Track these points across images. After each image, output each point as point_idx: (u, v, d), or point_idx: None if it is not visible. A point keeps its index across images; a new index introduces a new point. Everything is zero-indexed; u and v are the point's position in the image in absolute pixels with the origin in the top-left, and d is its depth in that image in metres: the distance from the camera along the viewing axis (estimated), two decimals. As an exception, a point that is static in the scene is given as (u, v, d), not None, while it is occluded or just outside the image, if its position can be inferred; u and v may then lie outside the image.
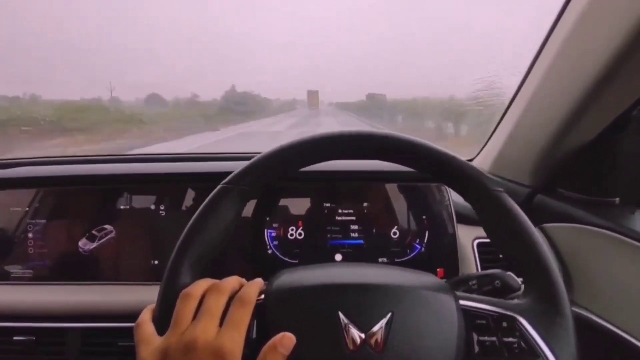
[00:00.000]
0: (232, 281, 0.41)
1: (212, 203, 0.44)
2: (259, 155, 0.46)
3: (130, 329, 0.40)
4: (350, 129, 0.47)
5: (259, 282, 0.42)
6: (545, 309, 0.40)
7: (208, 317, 0.37)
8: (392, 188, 0.80)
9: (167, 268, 0.42)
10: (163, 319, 0.39)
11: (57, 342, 0.67)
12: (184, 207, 0.79)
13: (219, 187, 0.45)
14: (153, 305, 0.42)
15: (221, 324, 0.37)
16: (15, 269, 0.76)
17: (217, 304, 0.38)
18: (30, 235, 0.77)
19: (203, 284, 0.40)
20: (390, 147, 0.47)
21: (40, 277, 0.76)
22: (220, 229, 0.44)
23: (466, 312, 0.40)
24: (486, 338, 0.39)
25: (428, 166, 0.47)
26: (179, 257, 0.42)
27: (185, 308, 0.38)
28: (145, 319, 0.40)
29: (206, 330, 0.36)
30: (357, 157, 0.49)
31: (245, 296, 0.39)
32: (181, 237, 0.43)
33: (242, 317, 0.38)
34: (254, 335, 0.39)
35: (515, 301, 0.42)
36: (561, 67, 0.62)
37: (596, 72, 0.55)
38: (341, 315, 0.38)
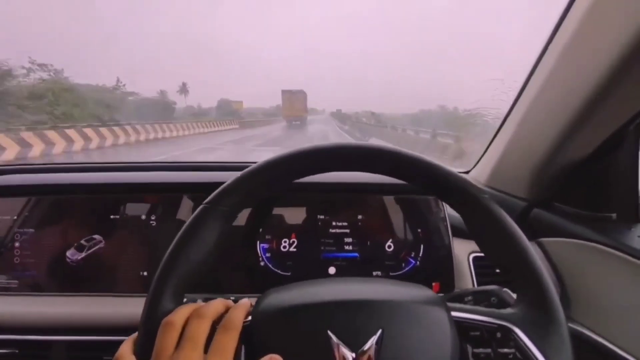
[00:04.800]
0: (216, 305, 0.40)
1: (193, 225, 0.42)
2: (241, 173, 0.44)
3: (116, 342, 0.38)
4: (329, 142, 0.46)
5: (245, 305, 0.40)
6: (539, 316, 0.39)
7: (191, 346, 0.35)
8: (386, 200, 0.79)
9: (148, 295, 0.40)
10: (144, 350, 0.37)
11: (41, 356, 0.65)
12: (174, 217, 0.78)
13: (200, 207, 0.43)
14: (134, 336, 0.40)
15: (206, 351, 0.36)
16: (0, 279, 0.74)
17: (199, 330, 0.36)
18: (17, 244, 0.75)
19: (185, 310, 0.38)
20: (376, 160, 0.46)
21: (26, 287, 0.74)
22: (204, 250, 0.42)
23: (459, 324, 0.39)
24: (481, 350, 0.38)
25: (414, 176, 0.46)
26: (160, 283, 0.40)
27: (166, 337, 0.36)
28: (125, 352, 0.38)
29: (189, 359, 0.34)
30: (343, 170, 0.48)
31: (231, 321, 0.38)
32: (162, 262, 0.41)
33: (228, 343, 0.36)
34: (243, 359, 0.37)
35: (508, 310, 0.41)
36: (557, 81, 0.62)
37: (592, 87, 0.55)
38: (331, 334, 0.37)
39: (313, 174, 0.46)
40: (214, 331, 0.37)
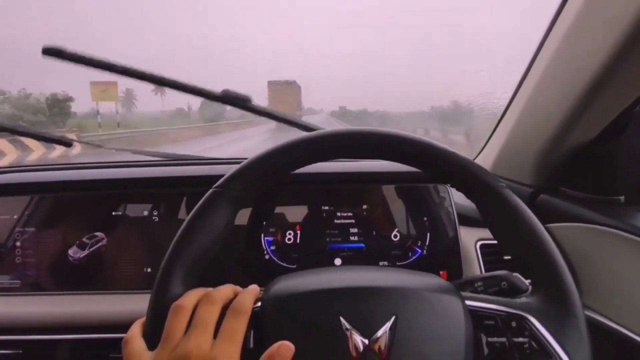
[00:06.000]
0: (225, 290, 0.40)
1: (203, 208, 0.42)
2: (252, 157, 0.44)
3: (121, 339, 0.38)
4: (345, 128, 0.45)
5: (254, 290, 0.40)
6: (556, 309, 0.38)
7: (200, 330, 0.35)
8: (391, 190, 0.78)
9: (156, 279, 0.39)
10: (153, 334, 0.37)
11: (46, 355, 0.65)
12: (177, 213, 0.77)
13: (210, 191, 0.43)
14: (143, 319, 0.40)
15: (216, 335, 0.36)
16: (2, 280, 0.74)
17: (209, 315, 0.37)
18: (18, 244, 0.74)
19: (195, 294, 0.38)
20: (389, 145, 0.45)
21: (29, 287, 0.73)
22: (213, 234, 0.42)
23: (473, 313, 0.39)
24: (495, 339, 0.38)
25: (428, 164, 0.45)
26: (169, 266, 0.39)
27: (176, 321, 0.36)
28: (135, 334, 0.38)
29: (199, 343, 0.34)
30: (355, 156, 0.47)
31: (240, 305, 0.37)
32: (171, 245, 0.41)
33: (237, 327, 0.36)
34: (252, 345, 0.37)
35: (524, 299, 0.40)
36: (561, 64, 0.61)
37: (596, 69, 0.54)
38: (343, 321, 0.36)
39: (325, 160, 0.46)
40: (224, 316, 0.37)
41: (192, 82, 0.73)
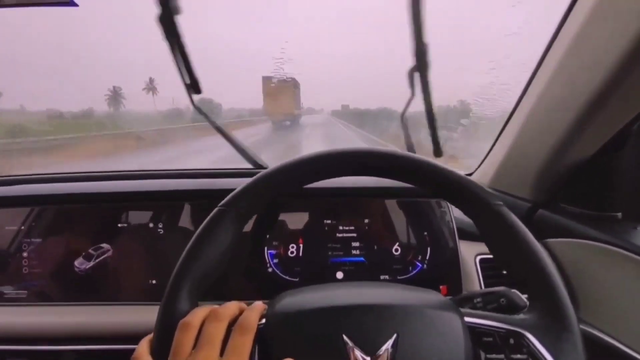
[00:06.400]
0: (231, 307, 0.41)
1: (208, 227, 0.43)
2: (257, 176, 0.46)
3: (127, 351, 0.39)
4: (347, 147, 0.47)
5: (259, 307, 0.41)
6: (552, 324, 0.39)
7: (208, 347, 0.36)
8: (392, 204, 0.79)
9: (164, 296, 0.40)
10: (161, 350, 0.37)
11: None
12: (182, 225, 0.78)
13: (215, 210, 0.44)
14: (150, 336, 0.41)
15: (222, 352, 0.36)
16: (9, 290, 0.75)
17: (216, 332, 0.37)
18: (25, 254, 0.76)
19: (202, 311, 0.39)
20: (388, 164, 0.46)
21: (35, 297, 0.74)
22: (218, 252, 0.43)
23: (472, 330, 0.39)
24: (494, 356, 0.38)
25: (427, 182, 0.47)
26: (176, 284, 0.40)
27: (184, 338, 0.37)
28: (143, 352, 0.39)
29: None
30: (356, 174, 0.48)
31: (246, 322, 0.38)
32: (178, 264, 0.42)
33: (243, 344, 0.37)
34: None
35: (521, 316, 0.41)
36: (561, 80, 0.62)
37: (596, 86, 0.55)
38: (345, 338, 0.37)
39: (328, 177, 0.47)
40: (229, 333, 0.38)
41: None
